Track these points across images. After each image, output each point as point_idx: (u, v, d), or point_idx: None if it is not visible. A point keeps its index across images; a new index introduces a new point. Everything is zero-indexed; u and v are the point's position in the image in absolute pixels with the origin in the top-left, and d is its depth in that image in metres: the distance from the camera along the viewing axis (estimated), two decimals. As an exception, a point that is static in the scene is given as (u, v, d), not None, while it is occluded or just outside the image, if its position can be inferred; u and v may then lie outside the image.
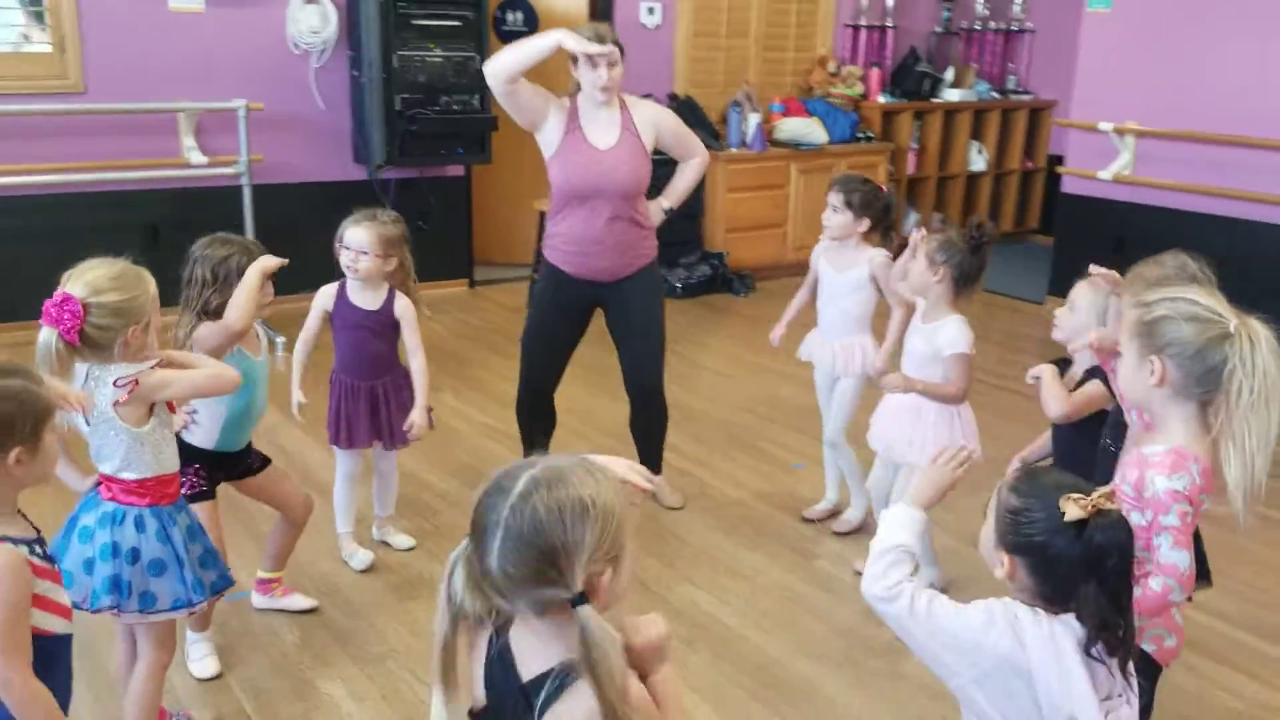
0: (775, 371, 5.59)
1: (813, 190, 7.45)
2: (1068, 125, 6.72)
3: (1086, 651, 1.56)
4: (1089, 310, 2.78)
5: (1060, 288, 5.92)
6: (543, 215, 6.49)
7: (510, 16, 7.02)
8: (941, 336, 3.17)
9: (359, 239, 3.26)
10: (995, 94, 8.45)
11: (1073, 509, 1.54)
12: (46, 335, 2.22)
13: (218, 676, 2.93)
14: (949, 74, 8.24)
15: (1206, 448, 1.96)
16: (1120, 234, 6.43)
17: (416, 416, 3.35)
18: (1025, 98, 8.58)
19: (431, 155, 6.28)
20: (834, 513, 3.93)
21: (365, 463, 3.56)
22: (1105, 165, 6.46)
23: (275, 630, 3.16)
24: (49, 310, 2.22)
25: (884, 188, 3.80)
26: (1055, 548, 1.57)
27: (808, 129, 7.40)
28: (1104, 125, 6.37)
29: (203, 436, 2.88)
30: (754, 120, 7.24)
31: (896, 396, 3.30)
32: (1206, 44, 5.99)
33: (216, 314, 2.82)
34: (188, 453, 2.76)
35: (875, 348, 3.69)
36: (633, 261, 3.78)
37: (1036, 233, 8.87)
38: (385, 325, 3.33)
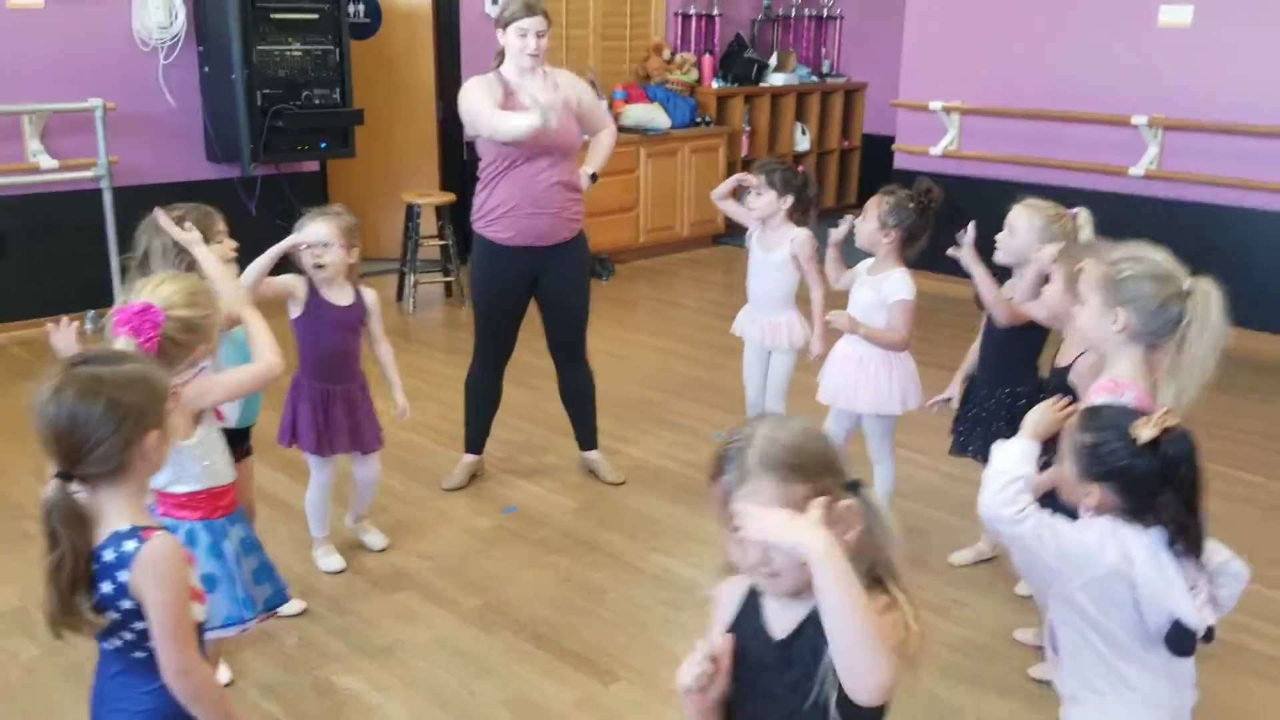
0: (661, 350, 5.83)
1: (660, 174, 7.73)
2: (900, 105, 7.22)
3: (1169, 549, 1.85)
4: (1028, 231, 3.14)
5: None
6: (411, 207, 6.52)
7: (352, 9, 6.94)
8: (887, 285, 3.46)
9: (321, 233, 3.26)
10: (814, 78, 8.94)
11: (1146, 431, 1.81)
12: (124, 344, 2.17)
13: (230, 684, 2.91)
14: (773, 59, 8.67)
15: (1149, 385, 2.31)
16: (951, 204, 6.98)
17: (401, 399, 3.42)
18: (839, 81, 9.11)
19: (294, 151, 6.16)
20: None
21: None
22: (935, 142, 7.01)
23: (271, 634, 3.14)
24: (128, 318, 2.17)
25: (800, 167, 4.06)
26: (1136, 468, 1.84)
27: (651, 115, 7.65)
28: (934, 104, 6.90)
29: (227, 415, 2.85)
30: (603, 107, 7.41)
31: (842, 350, 3.58)
32: (1021, 27, 6.60)
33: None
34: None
35: (801, 322, 3.95)
36: (570, 224, 3.94)
37: (855, 207, 9.43)
38: (356, 321, 3.35)
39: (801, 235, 3.89)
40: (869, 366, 3.54)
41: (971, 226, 3.34)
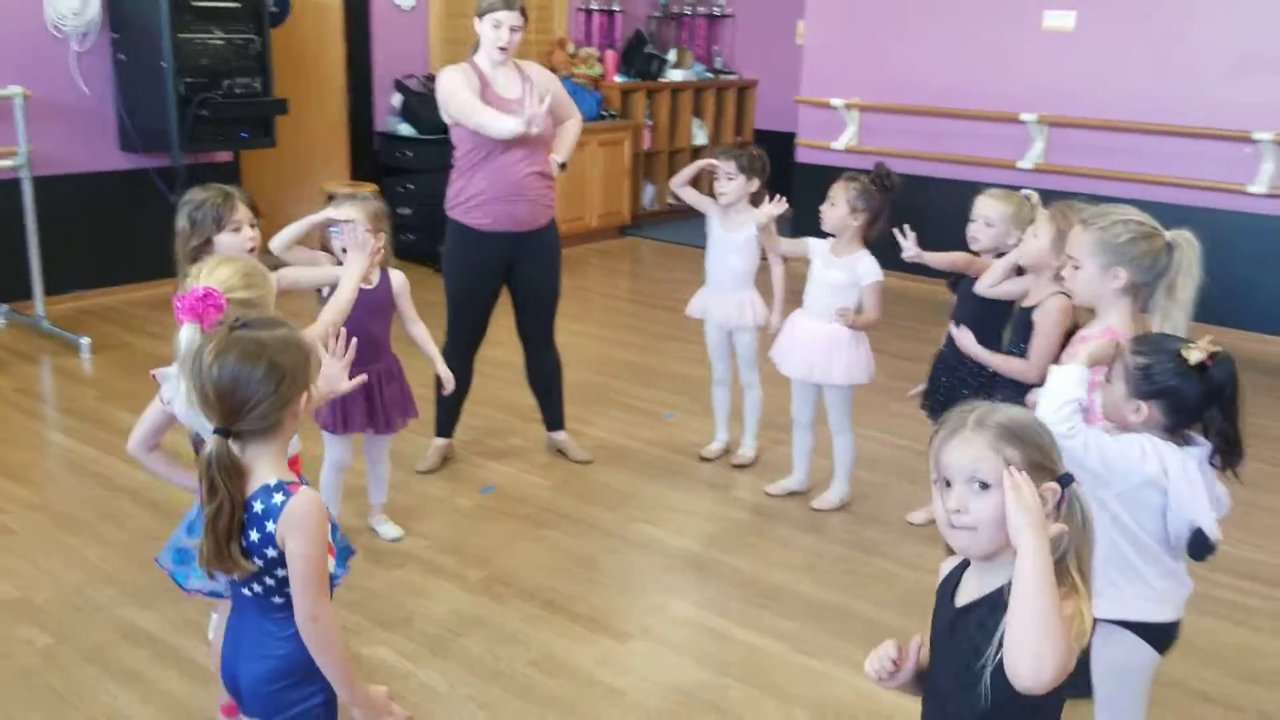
0: (596, 337, 6.02)
1: (574, 166, 7.86)
2: (803, 101, 7.55)
3: (1210, 462, 2.12)
4: (1003, 219, 3.45)
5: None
6: (331, 197, 6.51)
7: (263, -1, 6.88)
8: (861, 267, 3.75)
9: (350, 215, 3.30)
10: (709, 74, 9.23)
11: (1195, 354, 2.07)
12: (189, 331, 2.23)
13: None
14: (671, 55, 8.92)
15: (1137, 329, 2.61)
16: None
17: (444, 371, 3.57)
18: (732, 77, 9.42)
19: (217, 140, 6.10)
20: (726, 450, 4.42)
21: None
22: (836, 137, 7.37)
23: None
24: (191, 305, 2.22)
25: (756, 150, 4.26)
26: (1185, 387, 2.09)
27: (560, 108, 7.80)
28: (836, 101, 7.26)
29: None
30: (569, 97, 7.54)
31: (810, 328, 3.83)
32: (917, 29, 7.02)
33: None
34: None
35: (760, 300, 4.19)
36: (545, 210, 4.09)
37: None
38: (384, 303, 3.43)
39: (764, 214, 4.12)
40: (840, 343, 3.81)
41: (908, 229, 3.64)
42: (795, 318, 3.94)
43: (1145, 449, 2.12)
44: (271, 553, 1.82)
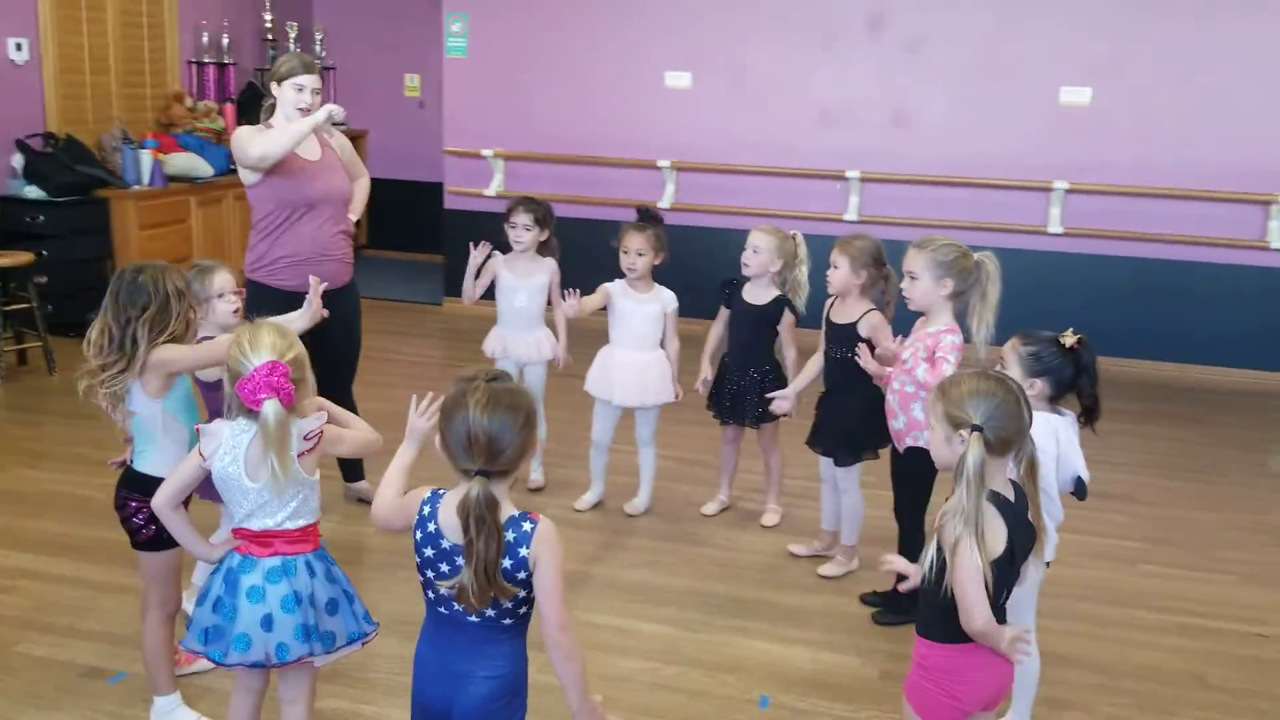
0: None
1: (210, 222, 7.71)
2: (451, 152, 7.96)
3: (1080, 420, 2.92)
4: (768, 249, 4.17)
5: (455, 290, 7.25)
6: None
7: None
8: (665, 296, 4.38)
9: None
10: (323, 125, 9.31)
11: (1069, 340, 2.84)
12: (273, 409, 2.33)
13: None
14: (288, 108, 8.91)
15: (956, 327, 3.49)
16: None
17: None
18: (342, 128, 9.56)
19: None
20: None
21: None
22: (484, 184, 7.89)
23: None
24: (269, 383, 2.32)
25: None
26: (1064, 366, 2.83)
27: (193, 163, 7.60)
28: (486, 151, 7.78)
29: (172, 464, 2.81)
30: (146, 157, 7.25)
31: (627, 358, 4.35)
32: (551, 85, 7.73)
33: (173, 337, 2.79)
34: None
35: (551, 338, 4.62)
36: (349, 267, 4.27)
37: (368, 248, 9.96)
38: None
39: (554, 264, 4.59)
40: (653, 369, 4.38)
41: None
42: (610, 352, 4.43)
43: (1041, 421, 2.92)
44: (522, 575, 2.08)
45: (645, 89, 7.62)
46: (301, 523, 2.50)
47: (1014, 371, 2.89)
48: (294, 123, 3.95)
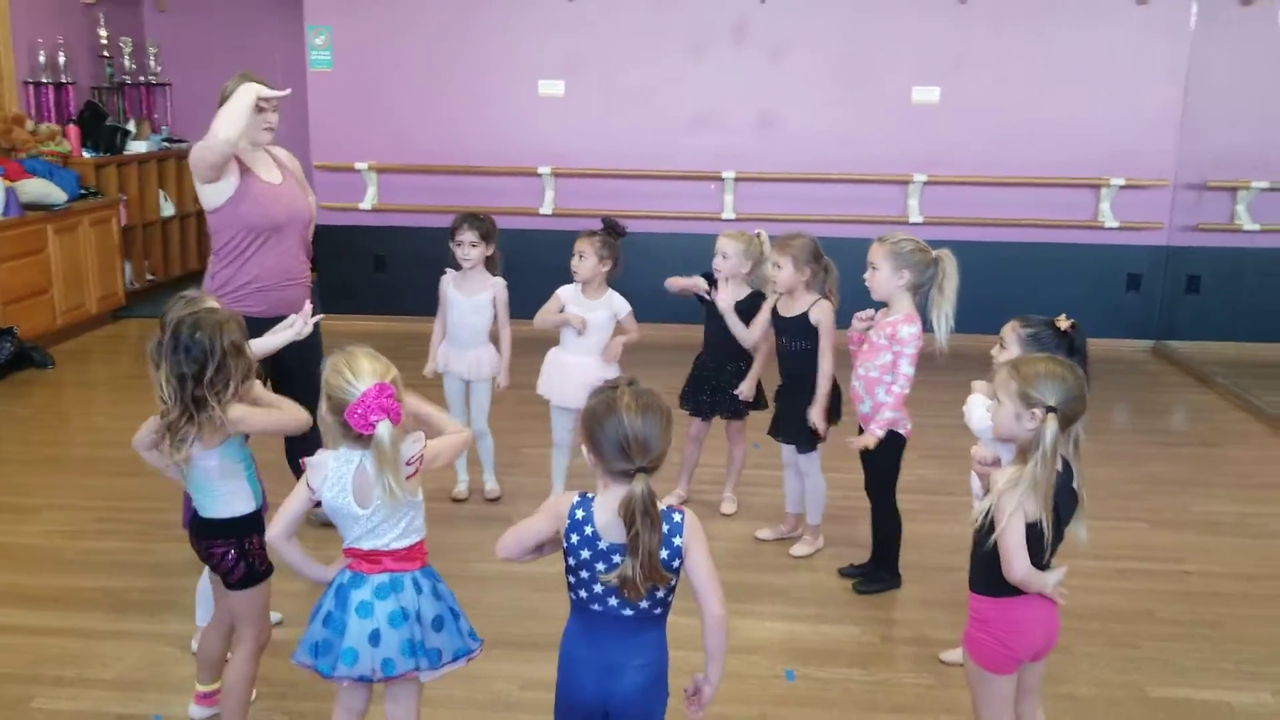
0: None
1: (68, 250, 7.33)
2: (324, 167, 7.80)
3: None
4: (735, 253, 4.37)
5: (333, 307, 7.20)
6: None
7: None
8: (616, 302, 4.47)
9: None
10: (168, 144, 8.94)
11: (1064, 324, 3.14)
12: (386, 429, 2.37)
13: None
14: (131, 126, 8.52)
15: (916, 316, 3.79)
16: (379, 254, 7.90)
17: None
18: (183, 145, 9.20)
19: None
20: (469, 490, 4.85)
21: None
22: (357, 198, 7.78)
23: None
24: (378, 404, 2.37)
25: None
26: (1061, 348, 3.08)
27: (47, 189, 7.19)
28: (359, 165, 7.68)
29: (245, 498, 2.86)
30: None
31: (575, 363, 4.45)
32: (424, 96, 7.71)
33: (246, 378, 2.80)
34: (239, 526, 2.83)
35: (495, 354, 4.68)
36: (309, 290, 4.20)
37: (214, 267, 9.58)
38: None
39: (502, 282, 4.64)
40: (595, 373, 4.48)
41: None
42: (558, 355, 4.53)
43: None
44: (676, 563, 2.21)
45: (520, 98, 7.69)
46: (409, 541, 2.55)
47: (1013, 351, 3.17)
48: (233, 99, 3.82)
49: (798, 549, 4.34)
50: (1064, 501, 2.56)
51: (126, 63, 8.85)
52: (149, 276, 8.71)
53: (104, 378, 6.95)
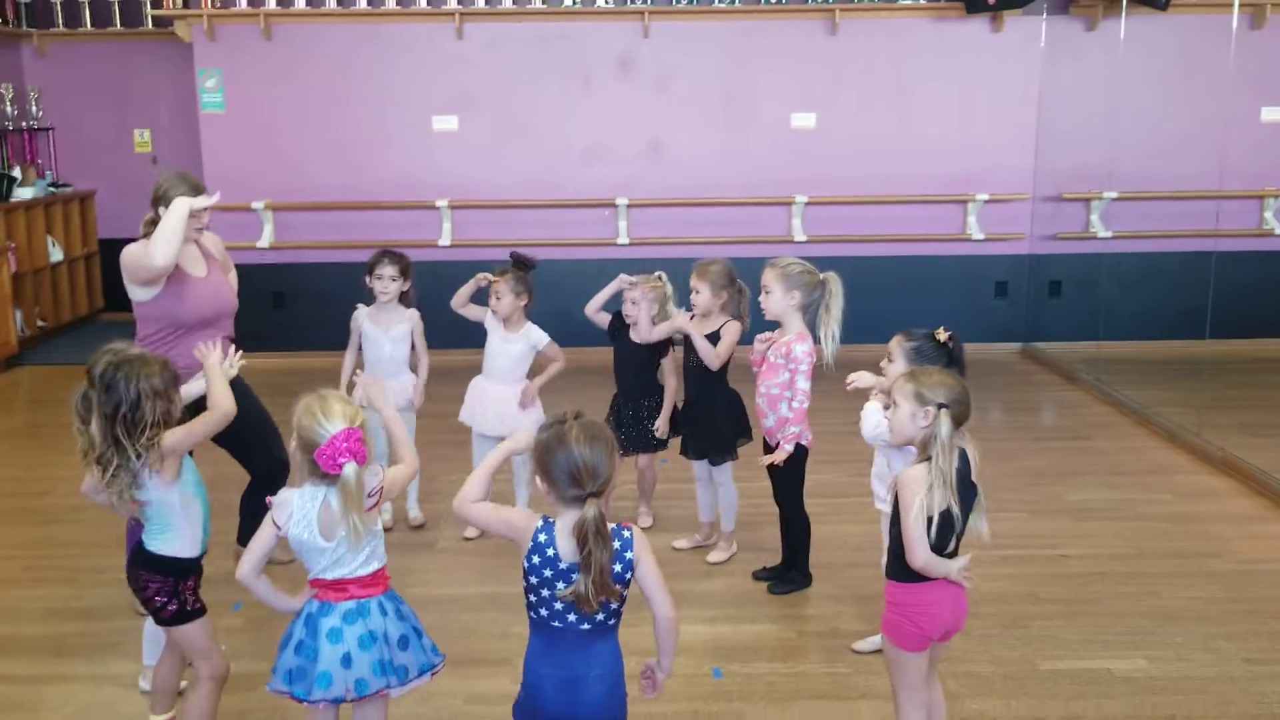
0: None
1: (-40, 301, 7.22)
2: (219, 207, 7.79)
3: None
4: (647, 301, 4.63)
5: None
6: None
7: None
8: (534, 335, 4.75)
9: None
10: (52, 188, 8.85)
11: (943, 336, 3.45)
12: (352, 470, 2.57)
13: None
14: (17, 173, 8.43)
15: (807, 333, 4.11)
16: (278, 290, 7.98)
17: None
18: (69, 190, 9.11)
19: None
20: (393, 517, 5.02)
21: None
22: (253, 237, 7.85)
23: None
24: (347, 448, 2.56)
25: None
26: (941, 358, 3.40)
27: (-66, 240, 7.11)
28: (256, 204, 7.75)
29: (190, 543, 3.00)
30: None
31: (495, 392, 4.69)
32: (315, 131, 7.82)
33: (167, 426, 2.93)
34: (180, 568, 2.99)
35: (415, 382, 4.88)
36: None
37: (105, 310, 9.51)
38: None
39: (416, 314, 4.84)
40: (513, 402, 4.72)
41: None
42: (480, 384, 4.75)
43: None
44: (628, 576, 2.45)
45: (414, 134, 7.88)
46: (371, 568, 2.74)
47: (899, 363, 3.49)
48: (167, 217, 3.84)
49: (714, 555, 4.63)
50: (962, 492, 2.86)
51: (8, 108, 8.74)
52: (40, 323, 8.61)
53: (4, 427, 6.87)
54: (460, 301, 4.80)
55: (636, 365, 4.73)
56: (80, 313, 9.17)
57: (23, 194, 8.36)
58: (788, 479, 4.28)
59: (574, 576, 2.41)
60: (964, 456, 2.90)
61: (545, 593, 2.45)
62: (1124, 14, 7.60)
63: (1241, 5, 7.90)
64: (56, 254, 8.78)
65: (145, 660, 3.58)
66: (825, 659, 3.82)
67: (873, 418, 3.54)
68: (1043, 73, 8.07)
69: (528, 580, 2.48)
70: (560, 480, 2.39)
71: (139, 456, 2.85)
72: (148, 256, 3.85)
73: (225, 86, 7.80)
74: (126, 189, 9.29)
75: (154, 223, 4.03)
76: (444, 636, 3.86)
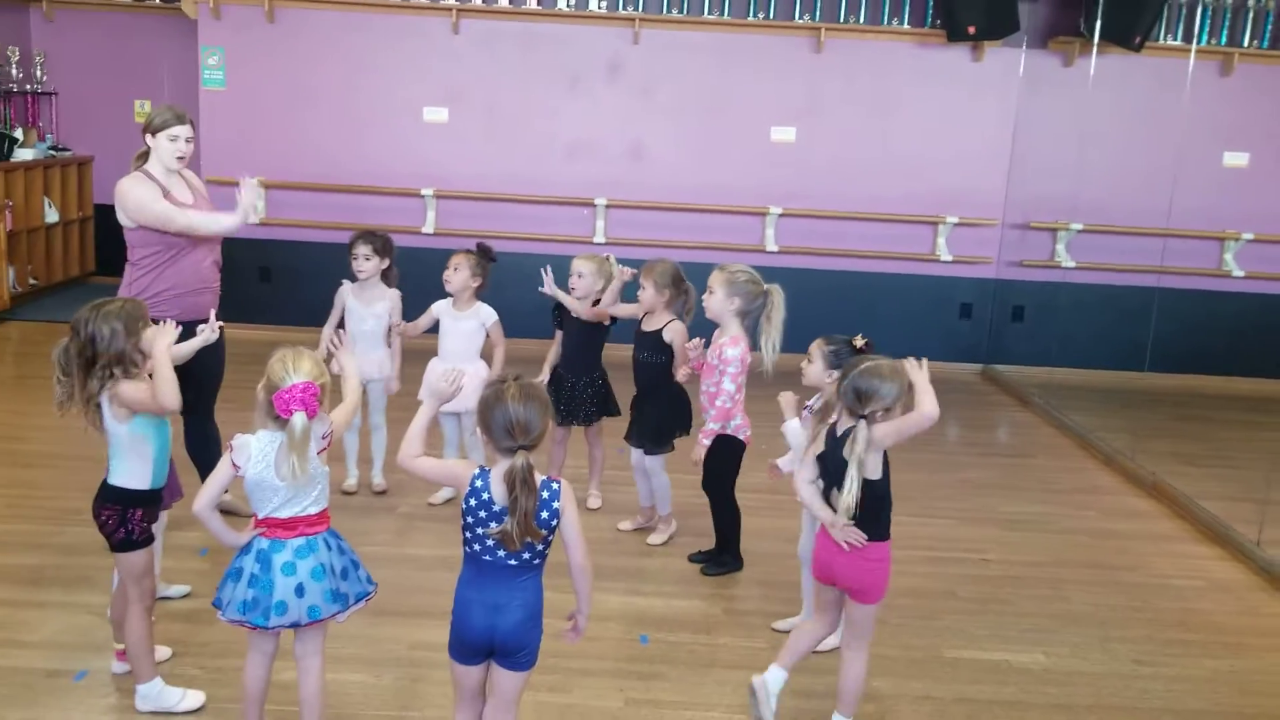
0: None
1: (-44, 254, 7.45)
2: (214, 181, 8.03)
3: None
4: (589, 273, 4.90)
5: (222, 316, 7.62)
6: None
7: None
8: (484, 312, 5.03)
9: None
10: (52, 151, 9.08)
11: (859, 342, 3.69)
12: (300, 421, 2.84)
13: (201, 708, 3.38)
14: (19, 134, 8.66)
15: (744, 337, 4.39)
16: (265, 265, 8.23)
17: None
18: (68, 154, 9.35)
19: None
20: (358, 484, 5.28)
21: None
22: (245, 212, 8.09)
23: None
24: (302, 399, 2.83)
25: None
26: (853, 361, 3.78)
27: (-66, 193, 7.34)
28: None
29: (140, 477, 3.25)
30: None
31: (440, 370, 4.93)
32: (310, 115, 8.08)
33: (124, 366, 3.17)
34: (128, 497, 3.23)
35: (389, 356, 5.13)
36: (218, 297, 4.59)
37: (95, 274, 9.74)
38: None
39: (397, 294, 5.11)
40: (478, 379, 4.97)
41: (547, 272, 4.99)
42: (435, 363, 4.99)
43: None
44: (555, 522, 2.74)
45: (405, 123, 8.15)
46: (319, 508, 3.03)
47: (818, 365, 3.78)
48: (223, 219, 4.39)
49: (654, 538, 4.90)
50: (832, 455, 3.23)
51: (14, 71, 8.97)
52: (31, 281, 8.84)
53: (24, 374, 7.13)
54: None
55: (577, 341, 5.00)
56: (71, 274, 9.41)
57: (23, 155, 8.59)
58: (712, 469, 4.54)
59: (504, 516, 2.70)
60: (848, 433, 3.19)
61: (479, 530, 2.75)
62: (1096, 53, 7.90)
63: (1211, 53, 8.24)
64: (52, 215, 9.01)
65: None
66: (746, 634, 4.10)
67: (792, 428, 3.84)
68: (1019, 104, 8.37)
69: (464, 519, 2.77)
70: (497, 433, 2.69)
71: (100, 389, 3.13)
72: (170, 216, 4.30)
73: (227, 64, 8.05)
74: (124, 156, 9.39)
75: (144, 156, 4.39)
76: (395, 591, 4.17)
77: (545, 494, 2.74)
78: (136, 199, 4.31)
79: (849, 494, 3.15)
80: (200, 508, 2.96)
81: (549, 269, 4.98)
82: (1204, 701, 3.84)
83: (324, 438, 3.00)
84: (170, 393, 3.14)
